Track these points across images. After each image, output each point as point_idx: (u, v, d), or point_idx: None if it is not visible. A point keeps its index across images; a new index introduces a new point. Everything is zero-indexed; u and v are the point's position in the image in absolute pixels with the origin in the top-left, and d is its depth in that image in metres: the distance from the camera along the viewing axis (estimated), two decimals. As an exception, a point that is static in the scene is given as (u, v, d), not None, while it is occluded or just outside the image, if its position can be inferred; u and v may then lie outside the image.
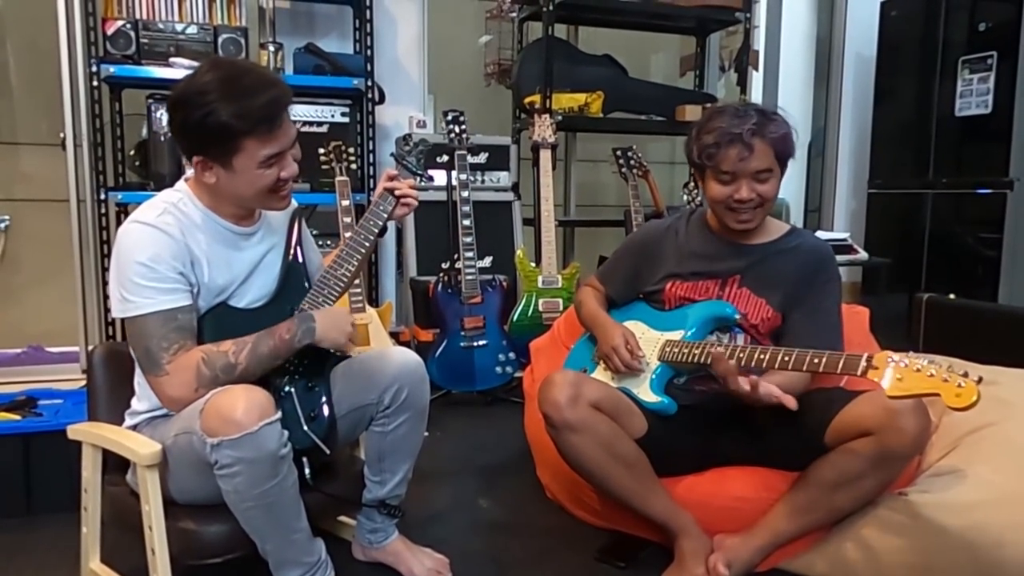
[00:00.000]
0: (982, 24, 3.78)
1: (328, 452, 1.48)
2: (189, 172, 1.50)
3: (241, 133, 1.36)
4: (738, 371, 1.56)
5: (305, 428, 1.45)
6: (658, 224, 2.00)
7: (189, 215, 1.46)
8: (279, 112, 1.40)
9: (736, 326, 1.78)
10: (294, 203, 1.65)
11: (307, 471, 1.44)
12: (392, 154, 1.72)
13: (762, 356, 1.55)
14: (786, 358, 1.52)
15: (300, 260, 1.61)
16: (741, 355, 1.58)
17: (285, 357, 1.46)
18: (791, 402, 1.53)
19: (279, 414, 1.33)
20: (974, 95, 3.82)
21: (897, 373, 1.34)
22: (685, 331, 1.76)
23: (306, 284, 1.58)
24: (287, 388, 1.47)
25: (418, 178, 1.66)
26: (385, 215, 1.61)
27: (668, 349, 1.75)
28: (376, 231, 1.61)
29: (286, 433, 1.34)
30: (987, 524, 1.54)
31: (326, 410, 1.50)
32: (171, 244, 1.40)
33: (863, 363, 1.40)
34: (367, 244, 1.60)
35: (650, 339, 1.81)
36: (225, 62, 1.41)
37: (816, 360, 1.48)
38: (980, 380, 1.27)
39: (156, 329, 1.38)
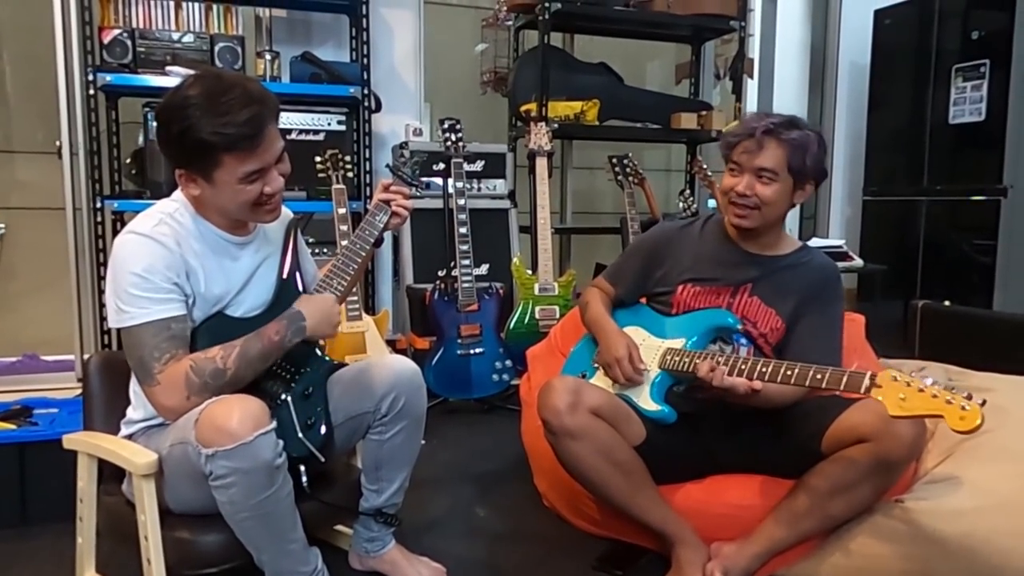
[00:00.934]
0: (975, 32, 3.81)
1: (324, 460, 1.47)
2: None
3: (220, 149, 1.35)
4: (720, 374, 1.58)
5: (301, 437, 1.44)
6: (671, 225, 1.99)
7: (185, 225, 1.46)
8: (260, 130, 1.38)
9: (741, 335, 1.78)
10: (289, 213, 1.65)
11: (304, 479, 1.44)
12: (388, 165, 1.73)
13: (764, 369, 1.55)
14: (788, 372, 1.51)
15: (295, 271, 1.60)
16: (743, 367, 1.58)
17: (276, 358, 1.46)
18: (757, 383, 1.56)
19: (274, 424, 1.32)
20: (967, 103, 3.84)
21: (900, 393, 1.33)
22: (686, 339, 1.77)
23: (299, 296, 1.57)
24: (283, 396, 1.46)
25: (413, 188, 1.67)
26: (381, 225, 1.62)
27: (669, 357, 1.75)
28: (371, 242, 1.61)
29: (281, 443, 1.34)
30: (984, 531, 1.54)
31: (323, 418, 1.50)
32: (166, 255, 1.40)
33: (866, 382, 1.39)
34: (362, 254, 1.60)
35: (651, 346, 1.81)
36: (211, 76, 1.40)
37: (819, 376, 1.47)
38: (984, 403, 1.26)
39: (149, 339, 1.38)
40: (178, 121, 1.34)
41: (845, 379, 1.43)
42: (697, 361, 1.65)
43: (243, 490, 1.29)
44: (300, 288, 1.59)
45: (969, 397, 1.26)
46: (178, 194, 1.49)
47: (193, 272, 1.44)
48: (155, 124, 1.42)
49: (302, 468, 1.44)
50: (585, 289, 2.12)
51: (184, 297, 1.42)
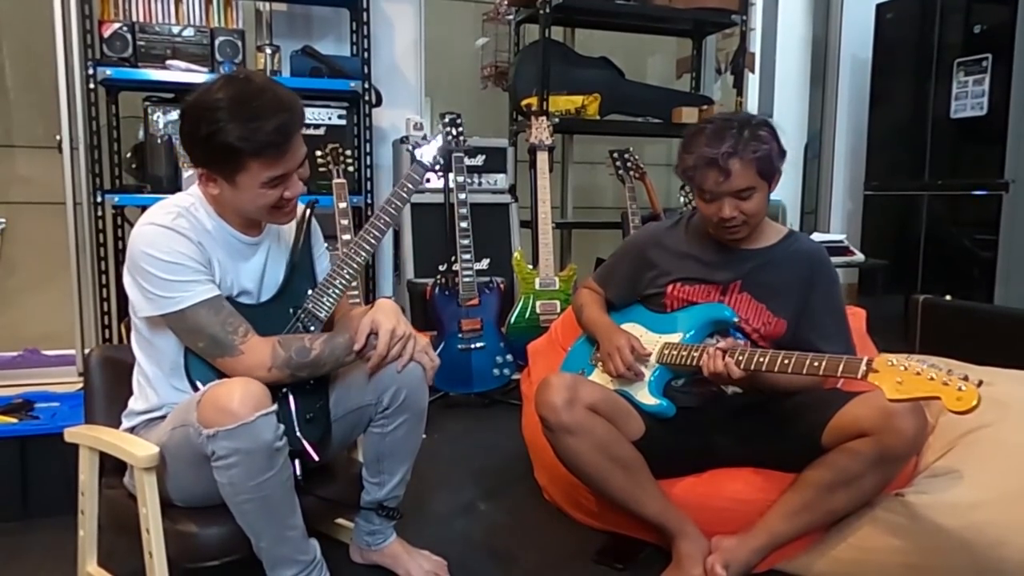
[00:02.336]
0: (977, 26, 3.80)
1: (317, 460, 1.48)
2: (192, 175, 1.50)
3: (247, 154, 1.36)
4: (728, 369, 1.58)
5: (297, 433, 1.45)
6: (657, 227, 2.00)
7: (201, 221, 1.46)
8: (288, 138, 1.39)
9: (736, 329, 1.79)
10: (300, 206, 1.65)
11: (298, 472, 1.44)
12: (408, 150, 1.73)
13: (761, 359, 1.55)
14: (786, 361, 1.52)
15: (308, 259, 1.61)
16: (740, 358, 1.58)
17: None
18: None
19: (275, 406, 1.33)
20: (969, 97, 3.83)
21: (897, 377, 1.34)
22: (683, 333, 1.77)
23: (309, 285, 1.58)
24: (284, 389, 1.47)
25: (436, 172, 1.67)
26: (396, 213, 1.62)
27: (667, 351, 1.75)
28: (382, 237, 1.62)
29: (282, 426, 1.34)
30: (984, 524, 1.54)
31: (322, 414, 1.51)
32: (189, 244, 1.41)
33: (863, 367, 1.40)
34: (375, 243, 1.61)
35: (649, 341, 1.81)
36: (240, 79, 1.40)
37: (816, 363, 1.48)
38: (980, 384, 1.27)
39: (210, 317, 1.40)
40: (207, 123, 1.34)
41: (842, 365, 1.44)
42: (695, 354, 1.65)
43: (244, 471, 1.30)
44: (313, 270, 1.61)
45: (965, 378, 1.27)
46: (195, 189, 1.50)
47: (211, 265, 1.45)
48: (180, 122, 1.41)
49: (297, 461, 1.44)
50: (577, 292, 2.12)
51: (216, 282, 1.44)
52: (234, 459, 1.29)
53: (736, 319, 1.76)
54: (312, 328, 1.53)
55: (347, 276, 1.57)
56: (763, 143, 1.67)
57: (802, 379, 1.66)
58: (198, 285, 1.40)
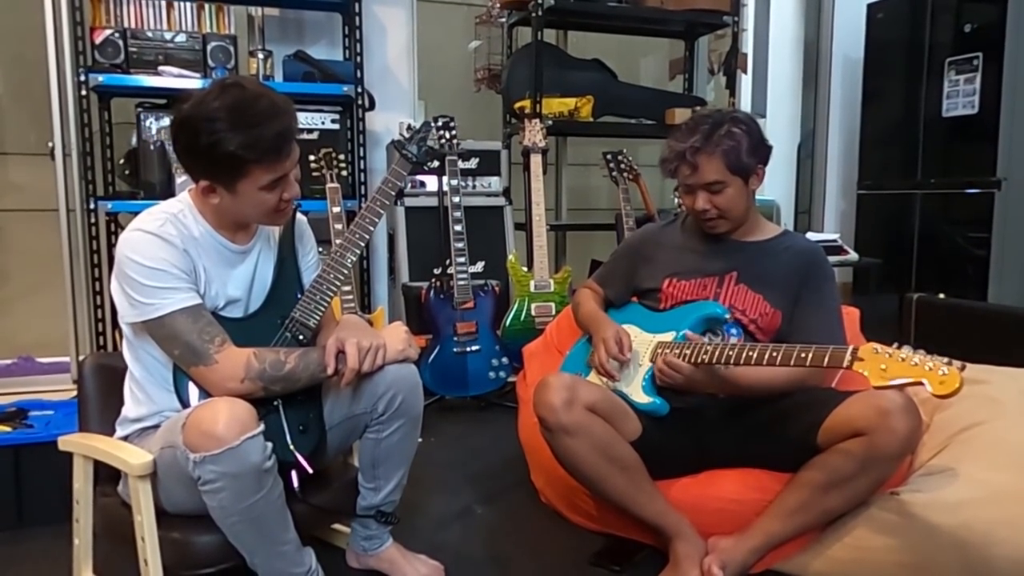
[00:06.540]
0: (967, 25, 3.82)
1: (311, 472, 1.47)
2: (185, 180, 1.49)
3: (248, 162, 1.36)
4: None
5: (290, 445, 1.44)
6: (655, 225, 2.06)
7: (188, 227, 1.46)
8: (288, 142, 1.40)
9: (731, 325, 1.79)
10: None
11: (295, 483, 1.43)
12: (393, 142, 1.72)
13: (751, 353, 1.56)
14: (774, 354, 1.53)
15: (293, 257, 1.60)
16: (730, 353, 1.59)
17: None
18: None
19: (261, 427, 1.31)
20: (961, 96, 3.85)
21: (881, 364, 1.36)
22: (676, 332, 1.77)
23: (297, 292, 1.57)
24: (276, 401, 1.46)
25: (424, 166, 1.66)
26: (383, 210, 1.61)
27: (660, 351, 1.75)
28: (369, 236, 1.61)
29: (270, 445, 1.33)
30: (978, 522, 1.54)
31: (316, 424, 1.50)
32: (174, 252, 1.41)
33: (848, 355, 1.42)
34: (362, 244, 1.60)
35: (643, 341, 1.82)
36: (235, 87, 1.39)
37: (803, 354, 1.49)
38: (964, 367, 1.29)
39: (188, 325, 1.39)
40: (207, 133, 1.34)
41: (828, 355, 1.46)
42: (687, 352, 1.66)
43: (232, 494, 1.29)
44: (298, 268, 1.60)
45: (949, 362, 1.28)
46: (185, 196, 1.50)
47: (197, 274, 1.44)
48: (174, 134, 1.40)
49: (292, 472, 1.44)
50: (577, 291, 2.14)
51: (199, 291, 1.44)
52: (221, 483, 1.28)
53: (728, 315, 1.77)
54: (301, 337, 1.52)
55: (336, 281, 1.56)
56: (732, 139, 1.71)
57: (784, 380, 1.66)
58: (178, 292, 1.39)
